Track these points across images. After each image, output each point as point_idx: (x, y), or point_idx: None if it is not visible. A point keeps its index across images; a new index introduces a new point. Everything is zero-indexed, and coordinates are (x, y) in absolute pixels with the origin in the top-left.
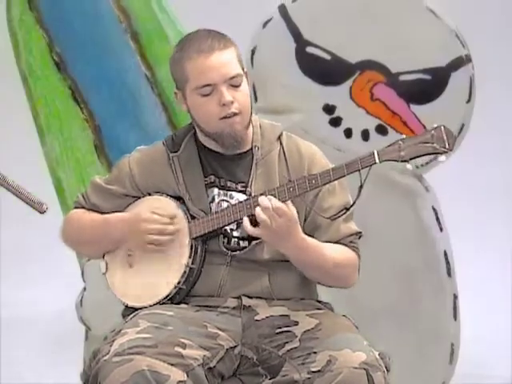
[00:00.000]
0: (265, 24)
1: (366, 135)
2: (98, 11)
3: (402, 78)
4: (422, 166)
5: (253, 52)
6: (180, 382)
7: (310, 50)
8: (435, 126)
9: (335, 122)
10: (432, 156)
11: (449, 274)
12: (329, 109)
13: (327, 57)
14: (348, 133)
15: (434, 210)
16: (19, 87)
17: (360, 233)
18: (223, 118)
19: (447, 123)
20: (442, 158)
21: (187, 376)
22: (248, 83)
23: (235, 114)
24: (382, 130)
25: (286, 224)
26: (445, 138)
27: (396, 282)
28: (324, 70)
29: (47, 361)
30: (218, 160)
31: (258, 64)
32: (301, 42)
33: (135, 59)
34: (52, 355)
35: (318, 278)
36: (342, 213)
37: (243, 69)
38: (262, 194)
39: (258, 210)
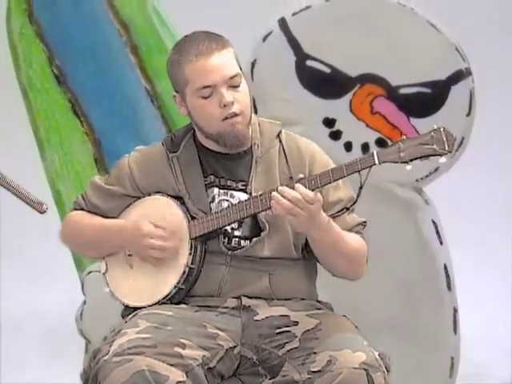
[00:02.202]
0: (265, 37)
1: (366, 148)
2: (99, 25)
3: (402, 91)
4: (421, 179)
5: (253, 65)
6: (179, 382)
7: (309, 63)
8: (435, 127)
9: (335, 136)
10: (432, 169)
11: (449, 287)
12: (329, 122)
13: (327, 70)
14: (348, 146)
15: (433, 223)
16: (19, 100)
17: (365, 222)
18: (225, 119)
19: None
20: (442, 159)
21: (187, 376)
22: (247, 83)
23: (236, 115)
24: (382, 143)
25: (317, 208)
26: (444, 139)
27: (396, 295)
28: (324, 83)
29: (47, 361)
30: (217, 159)
31: (257, 77)
32: (301, 56)
33: (135, 72)
34: (52, 355)
35: (336, 263)
36: (343, 211)
37: (241, 68)
38: (261, 195)
39: (287, 204)
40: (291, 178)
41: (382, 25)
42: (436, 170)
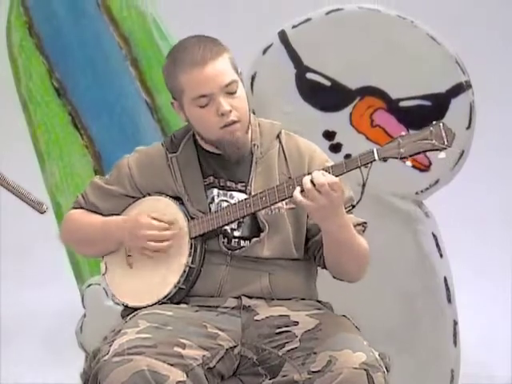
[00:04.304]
0: (265, 50)
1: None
2: (99, 37)
3: (402, 104)
4: (421, 191)
5: (253, 78)
6: (179, 382)
7: (309, 76)
8: (434, 123)
9: (335, 148)
10: (432, 181)
11: (449, 299)
12: (329, 135)
13: (327, 83)
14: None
15: (433, 236)
16: (19, 113)
17: (365, 223)
18: (224, 126)
19: (447, 149)
20: (441, 154)
21: (187, 376)
22: (244, 85)
23: (234, 122)
24: None
25: (338, 197)
26: (443, 134)
27: (396, 308)
28: (324, 96)
29: (47, 361)
30: (217, 160)
31: (257, 90)
32: (301, 68)
33: (135, 85)
34: (52, 355)
35: (345, 262)
36: (347, 209)
37: (237, 71)
38: (261, 193)
39: (295, 193)
40: (290, 178)
41: (382, 37)
42: (436, 182)
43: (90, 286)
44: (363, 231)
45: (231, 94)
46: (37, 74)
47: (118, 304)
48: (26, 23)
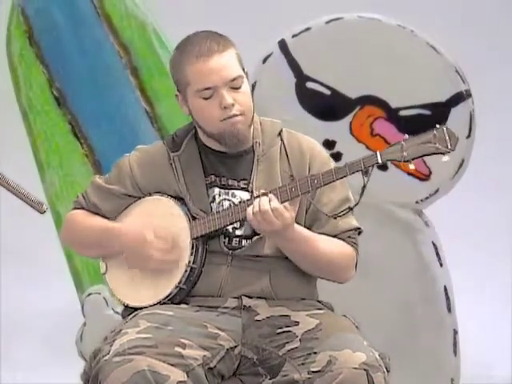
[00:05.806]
0: (265, 59)
1: (366, 170)
2: (99, 47)
3: (402, 113)
4: (421, 201)
5: (253, 87)
6: (180, 382)
7: (310, 85)
8: (437, 126)
9: (335, 158)
10: (432, 191)
11: (449, 309)
12: (329, 144)
13: (327, 92)
14: None
15: (433, 245)
16: (19, 122)
17: (359, 228)
18: (224, 119)
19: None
20: (444, 158)
21: (187, 376)
22: (249, 82)
23: (236, 116)
24: (382, 165)
25: (282, 224)
26: (447, 138)
27: (396, 317)
28: (324, 105)
29: (47, 361)
30: (219, 158)
31: (258, 99)
32: (301, 77)
33: (135, 94)
34: (52, 355)
35: (311, 270)
36: (345, 211)
37: (243, 69)
38: (264, 194)
39: (248, 211)
40: (292, 175)
41: (382, 46)
42: (436, 191)
43: (89, 295)
44: (352, 237)
45: (236, 88)
46: (37, 83)
47: (117, 313)
48: (26, 32)
